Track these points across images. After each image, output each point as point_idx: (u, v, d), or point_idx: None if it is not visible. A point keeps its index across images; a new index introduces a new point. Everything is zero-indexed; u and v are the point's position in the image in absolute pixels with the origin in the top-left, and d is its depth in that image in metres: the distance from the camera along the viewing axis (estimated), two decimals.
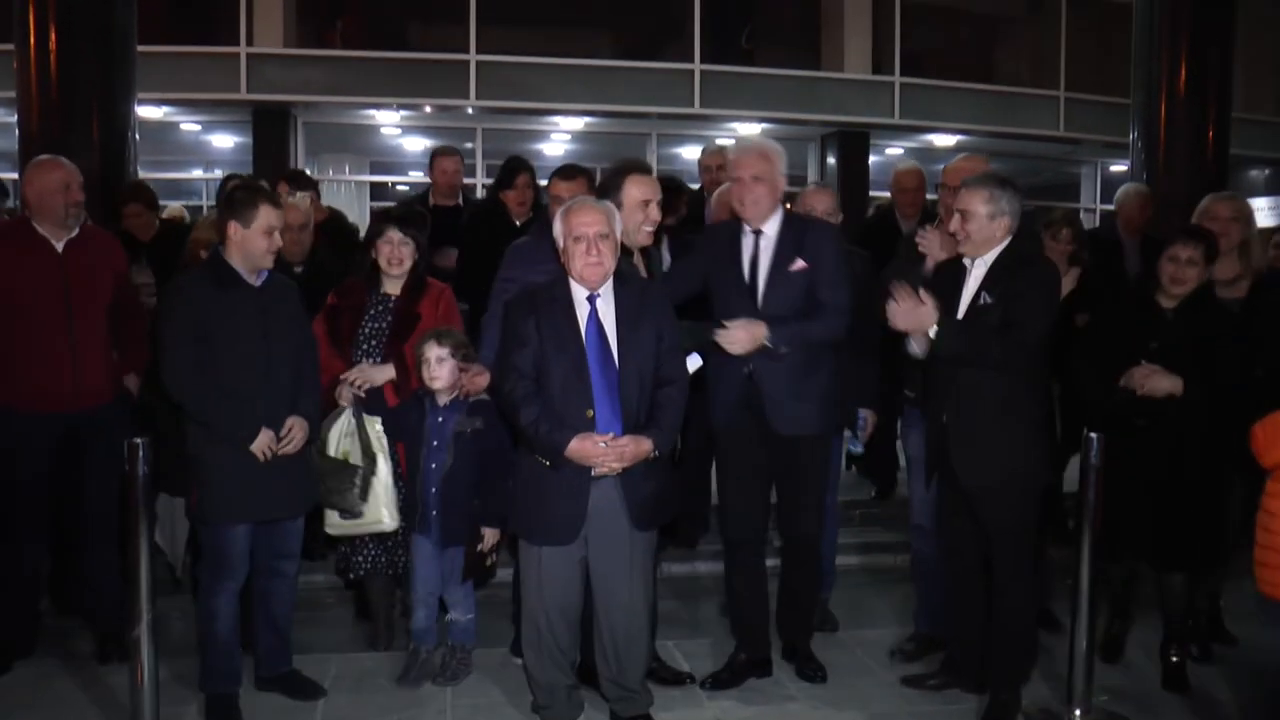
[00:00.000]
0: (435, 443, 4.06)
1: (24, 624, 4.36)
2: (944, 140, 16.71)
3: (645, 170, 4.08)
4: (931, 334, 3.72)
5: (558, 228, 3.65)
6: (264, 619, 4.02)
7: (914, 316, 3.73)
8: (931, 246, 4.24)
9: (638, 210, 3.94)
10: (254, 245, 3.77)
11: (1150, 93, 8.78)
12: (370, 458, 4.08)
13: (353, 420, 4.12)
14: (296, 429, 3.86)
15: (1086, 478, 3.77)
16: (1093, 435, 3.76)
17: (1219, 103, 8.74)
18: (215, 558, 3.81)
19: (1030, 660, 4.06)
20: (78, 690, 4.07)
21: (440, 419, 4.06)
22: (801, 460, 4.04)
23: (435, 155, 6.66)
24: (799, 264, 3.94)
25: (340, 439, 4.10)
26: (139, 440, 3.23)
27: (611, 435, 3.53)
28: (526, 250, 4.16)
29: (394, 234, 4.26)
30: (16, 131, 7.00)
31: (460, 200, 6.56)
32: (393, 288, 4.33)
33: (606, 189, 3.99)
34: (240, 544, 3.81)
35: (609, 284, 3.67)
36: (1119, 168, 15.34)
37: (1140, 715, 3.96)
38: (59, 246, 4.25)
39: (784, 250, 3.98)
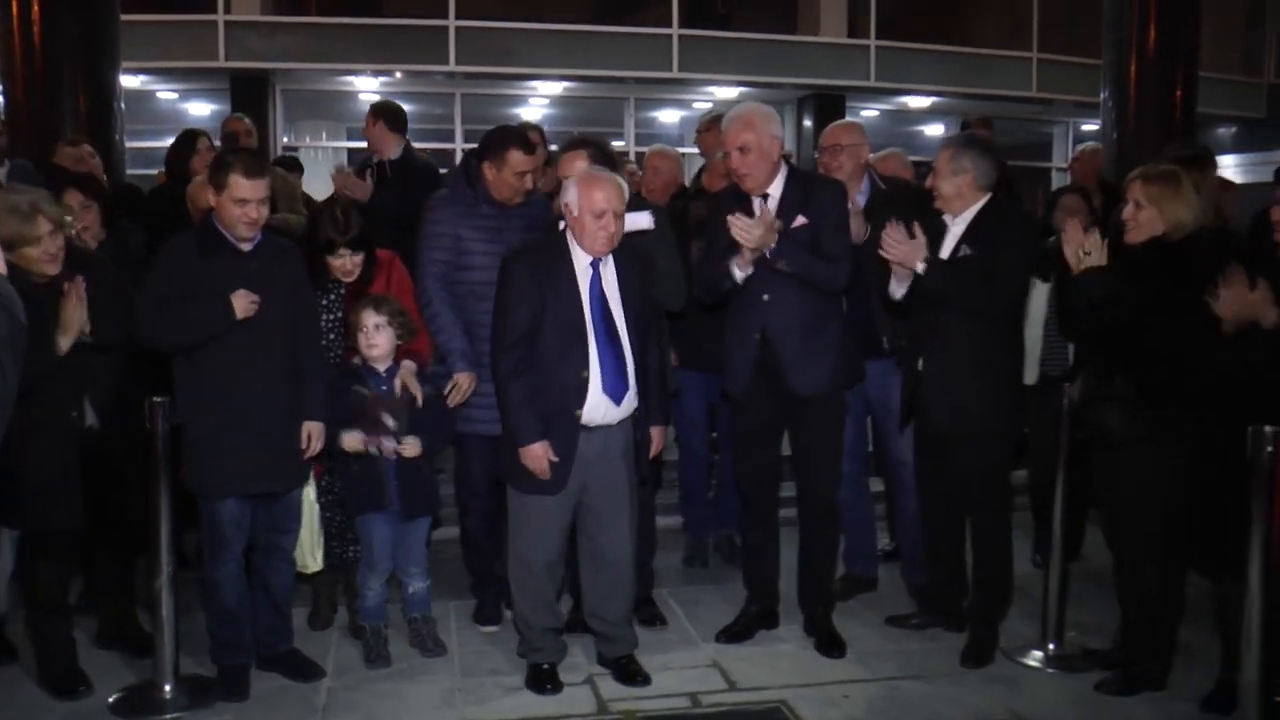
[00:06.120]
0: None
1: None
2: (919, 102, 16.82)
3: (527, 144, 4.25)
4: (919, 269, 3.87)
5: (570, 196, 3.71)
6: (263, 596, 3.94)
7: (906, 249, 3.87)
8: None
9: (514, 179, 4.17)
10: (225, 214, 3.67)
11: (1121, 53, 8.93)
12: None
13: None
14: (314, 439, 3.81)
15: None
16: None
17: (1187, 62, 8.91)
18: (209, 531, 3.77)
19: (1008, 599, 4.24)
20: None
21: (384, 388, 3.97)
22: (818, 418, 4.10)
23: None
24: (799, 220, 3.98)
25: None
26: (160, 399, 3.32)
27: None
28: (453, 201, 4.25)
29: (345, 251, 4.04)
30: (1, 100, 7.06)
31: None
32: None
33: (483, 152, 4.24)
34: (231, 517, 3.75)
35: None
36: (1090, 126, 15.51)
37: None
38: None
39: (788, 209, 4.01)
